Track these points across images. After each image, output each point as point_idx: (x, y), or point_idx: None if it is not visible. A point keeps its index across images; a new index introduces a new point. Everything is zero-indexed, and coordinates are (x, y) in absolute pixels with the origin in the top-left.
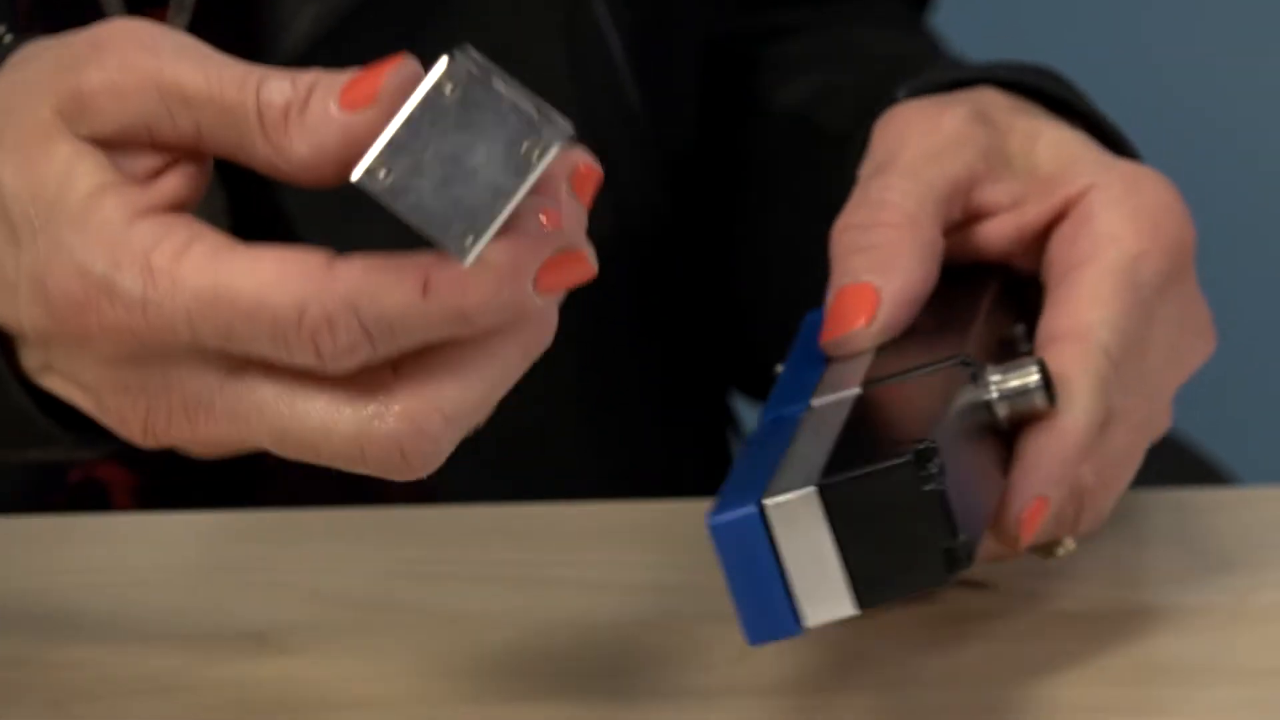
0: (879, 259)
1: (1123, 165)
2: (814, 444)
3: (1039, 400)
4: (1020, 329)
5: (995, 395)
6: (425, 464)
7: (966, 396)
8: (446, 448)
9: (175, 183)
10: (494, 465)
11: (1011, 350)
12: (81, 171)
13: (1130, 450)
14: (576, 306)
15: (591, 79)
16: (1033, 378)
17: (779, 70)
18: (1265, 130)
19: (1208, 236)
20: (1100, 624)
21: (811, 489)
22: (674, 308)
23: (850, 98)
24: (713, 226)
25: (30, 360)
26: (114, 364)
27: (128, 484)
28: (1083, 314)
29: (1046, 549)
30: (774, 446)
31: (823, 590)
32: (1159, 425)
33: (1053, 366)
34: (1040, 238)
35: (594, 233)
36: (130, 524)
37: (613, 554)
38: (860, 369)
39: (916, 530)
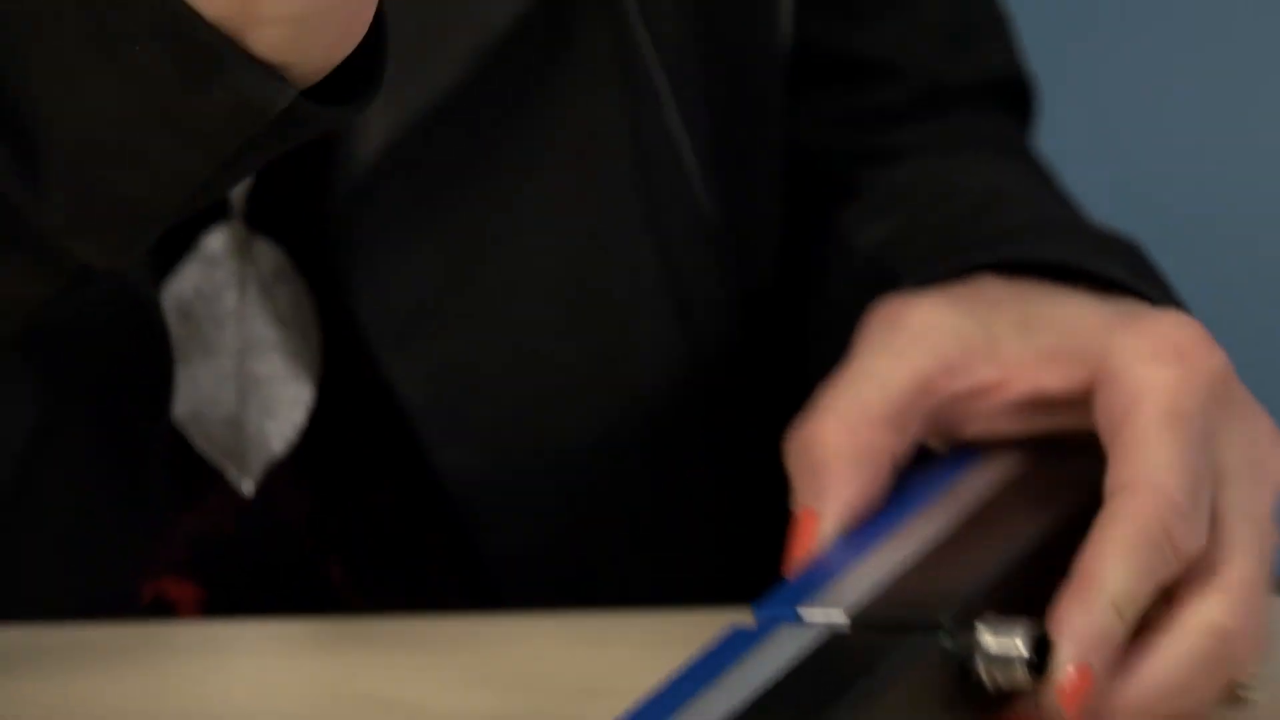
0: (817, 482)
1: (1134, 317)
2: (720, 702)
3: (1020, 675)
4: None
5: (976, 658)
6: None
7: (917, 676)
8: None
9: None
10: (559, 582)
11: None
12: None
13: (1255, 577)
14: (643, 427)
15: (661, 190)
16: (1017, 647)
17: (866, 204)
18: (1266, 130)
19: (1206, 239)
20: None
21: None
22: (744, 427)
23: (928, 241)
24: (788, 354)
25: None
26: None
27: (196, 600)
28: (1140, 464)
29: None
30: (699, 677)
31: None
32: (1270, 541)
33: (1116, 514)
34: (1056, 409)
35: (662, 351)
36: (193, 633)
37: (669, 662)
38: (875, 582)
39: None
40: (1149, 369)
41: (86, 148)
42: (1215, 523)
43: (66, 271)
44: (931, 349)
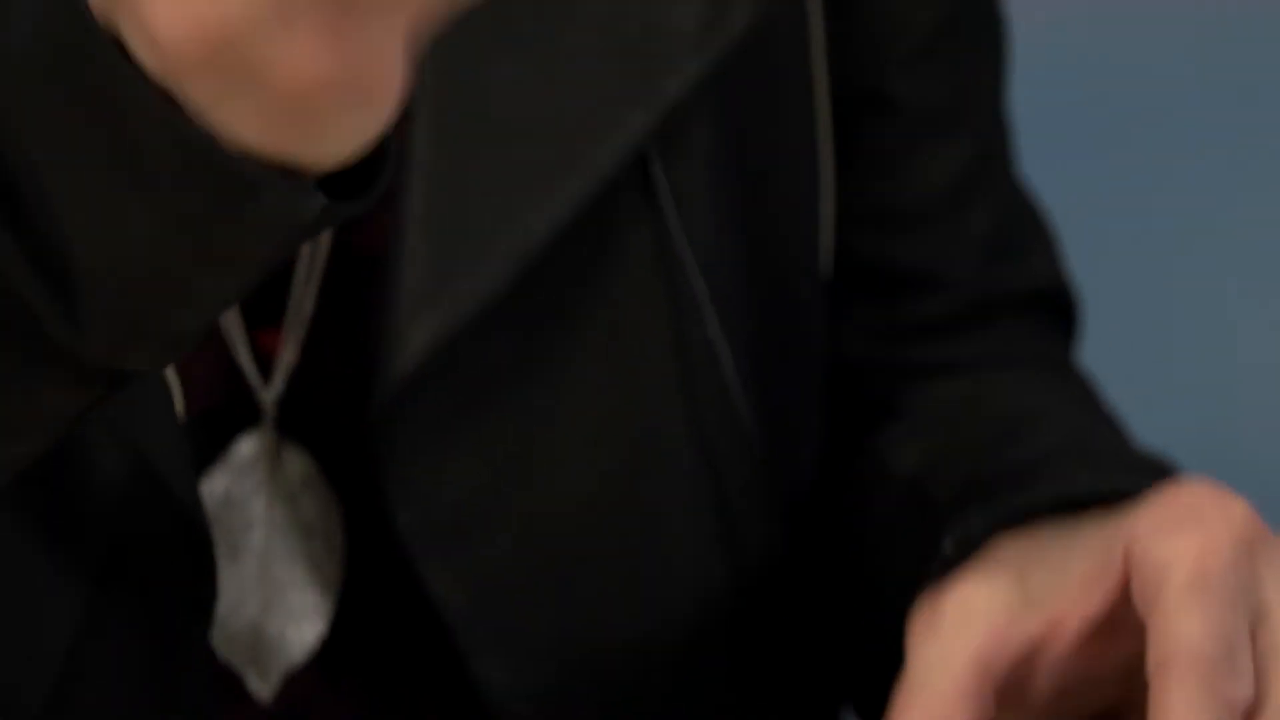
0: None
1: (1148, 505)
2: None
3: None
4: None
5: None
6: None
7: None
8: None
9: None
10: None
11: None
12: None
13: None
14: (683, 636)
15: (702, 399)
16: None
17: (903, 426)
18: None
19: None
20: None
21: None
22: (784, 638)
23: (965, 464)
24: (828, 568)
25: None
26: None
27: None
28: (1174, 638)
29: None
30: None
31: None
32: None
33: (1169, 692)
34: (1115, 628)
35: (702, 561)
36: None
37: None
38: None
39: None
40: (1170, 542)
41: (122, 284)
42: (1269, 656)
43: (104, 383)
44: (979, 625)
